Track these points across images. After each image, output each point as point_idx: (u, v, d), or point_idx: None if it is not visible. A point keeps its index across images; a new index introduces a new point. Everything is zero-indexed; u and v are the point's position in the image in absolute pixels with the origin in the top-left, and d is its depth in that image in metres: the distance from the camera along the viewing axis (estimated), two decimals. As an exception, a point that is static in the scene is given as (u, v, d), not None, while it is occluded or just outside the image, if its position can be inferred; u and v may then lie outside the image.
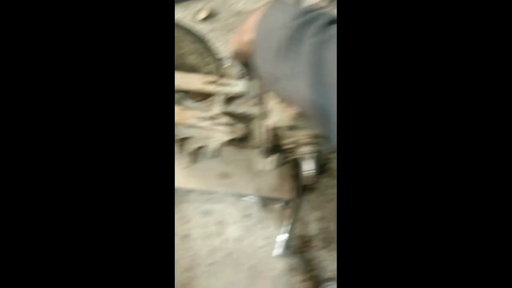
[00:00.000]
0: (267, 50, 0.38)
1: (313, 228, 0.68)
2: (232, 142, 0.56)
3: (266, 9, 0.41)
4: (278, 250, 0.62)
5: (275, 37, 0.36)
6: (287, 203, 0.67)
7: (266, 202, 0.67)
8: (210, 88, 0.57)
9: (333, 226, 0.68)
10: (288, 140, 0.52)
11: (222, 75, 0.61)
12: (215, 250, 0.62)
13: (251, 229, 0.65)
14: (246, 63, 0.50)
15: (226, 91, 0.57)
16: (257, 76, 0.46)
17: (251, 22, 0.43)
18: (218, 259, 0.61)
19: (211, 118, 0.55)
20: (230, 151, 0.63)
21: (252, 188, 0.64)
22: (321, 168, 0.56)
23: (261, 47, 0.40)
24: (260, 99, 0.56)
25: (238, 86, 0.57)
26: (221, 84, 0.57)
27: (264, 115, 0.54)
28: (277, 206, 0.68)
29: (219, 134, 0.55)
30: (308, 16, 0.36)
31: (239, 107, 0.57)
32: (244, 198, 0.66)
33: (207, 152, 0.61)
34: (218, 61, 0.66)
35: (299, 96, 0.35)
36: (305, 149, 0.50)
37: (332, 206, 0.71)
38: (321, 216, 0.70)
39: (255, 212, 0.67)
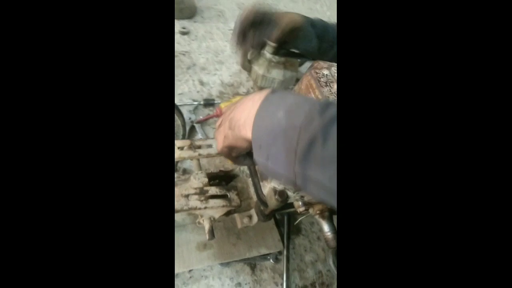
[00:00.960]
0: (275, 153, 0.29)
1: (310, 273, 0.62)
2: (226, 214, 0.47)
3: (264, 103, 0.32)
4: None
5: (283, 138, 0.28)
6: (276, 257, 0.61)
7: (256, 263, 0.60)
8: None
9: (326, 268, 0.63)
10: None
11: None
12: None
13: (246, 299, 0.56)
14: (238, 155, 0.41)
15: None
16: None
17: (246, 116, 0.33)
18: None
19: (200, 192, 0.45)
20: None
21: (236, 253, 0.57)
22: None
23: (265, 147, 0.30)
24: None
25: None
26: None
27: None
28: (268, 262, 0.61)
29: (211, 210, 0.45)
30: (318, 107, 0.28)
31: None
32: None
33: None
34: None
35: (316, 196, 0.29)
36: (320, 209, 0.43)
37: (322, 244, 0.67)
38: (316, 258, 0.65)
39: (245, 278, 0.58)
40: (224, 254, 0.56)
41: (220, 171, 0.50)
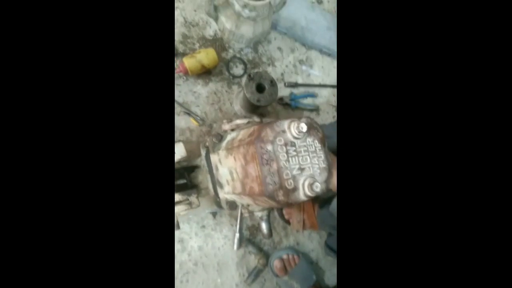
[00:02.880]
0: None
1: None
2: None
3: None
4: (235, 244, 0.79)
5: None
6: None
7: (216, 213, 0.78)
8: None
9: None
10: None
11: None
12: (184, 262, 0.76)
13: (209, 235, 0.78)
14: None
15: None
16: None
17: None
18: (189, 268, 0.76)
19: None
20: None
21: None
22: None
23: None
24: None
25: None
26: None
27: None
28: (226, 210, 0.79)
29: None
30: None
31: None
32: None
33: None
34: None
35: None
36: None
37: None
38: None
39: (208, 222, 0.78)
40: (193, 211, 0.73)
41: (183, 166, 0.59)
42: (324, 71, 0.95)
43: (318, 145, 0.43)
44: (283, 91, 0.89)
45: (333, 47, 0.93)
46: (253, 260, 0.81)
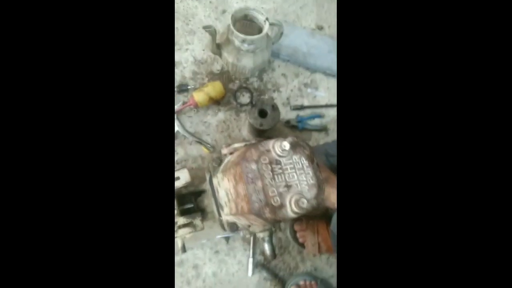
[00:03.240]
0: None
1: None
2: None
3: None
4: (249, 270, 0.78)
5: None
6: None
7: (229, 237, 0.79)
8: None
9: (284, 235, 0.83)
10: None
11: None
12: (199, 289, 0.76)
13: (222, 261, 0.79)
14: None
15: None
16: None
17: None
18: (204, 295, 0.76)
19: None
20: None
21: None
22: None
23: None
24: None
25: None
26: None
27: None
28: (240, 236, 0.80)
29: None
30: None
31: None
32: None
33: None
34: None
35: None
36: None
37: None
38: (276, 229, 0.84)
39: (221, 247, 0.79)
40: (203, 235, 0.75)
41: (190, 191, 0.62)
42: (330, 92, 0.97)
43: (305, 162, 0.44)
44: (290, 115, 0.92)
45: (336, 67, 0.95)
46: (269, 286, 0.79)
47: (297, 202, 0.40)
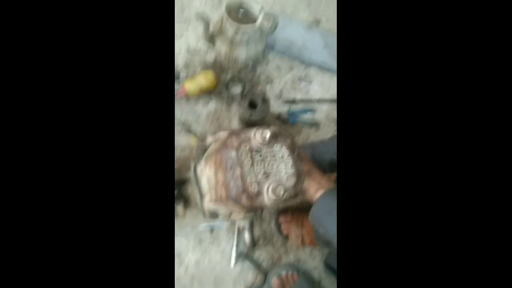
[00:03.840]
0: None
1: (256, 232, 0.83)
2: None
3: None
4: (232, 260, 0.78)
5: None
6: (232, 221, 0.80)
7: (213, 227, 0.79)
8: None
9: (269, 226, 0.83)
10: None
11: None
12: (181, 277, 0.77)
13: (206, 250, 0.79)
14: None
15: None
16: None
17: None
18: (186, 284, 0.77)
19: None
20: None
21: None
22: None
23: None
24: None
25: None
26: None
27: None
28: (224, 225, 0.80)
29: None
30: None
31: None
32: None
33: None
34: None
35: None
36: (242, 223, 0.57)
37: (267, 212, 0.85)
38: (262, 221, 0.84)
39: (206, 236, 0.80)
40: (187, 223, 0.75)
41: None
42: (323, 86, 0.96)
43: (286, 151, 0.44)
44: (282, 108, 0.92)
45: (331, 62, 0.95)
46: (251, 276, 0.79)
47: (274, 190, 0.40)
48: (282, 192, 0.39)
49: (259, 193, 0.40)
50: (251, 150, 0.41)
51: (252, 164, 0.41)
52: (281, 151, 0.43)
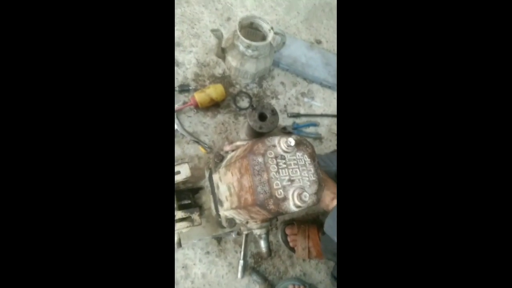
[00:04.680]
0: None
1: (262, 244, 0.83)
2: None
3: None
4: (239, 272, 0.77)
5: None
6: (238, 232, 0.80)
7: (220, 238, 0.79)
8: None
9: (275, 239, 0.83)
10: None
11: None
12: (188, 290, 0.75)
13: (213, 262, 0.78)
14: None
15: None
16: None
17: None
18: (192, 296, 0.75)
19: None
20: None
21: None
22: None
23: None
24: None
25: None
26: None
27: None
28: (231, 237, 0.80)
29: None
30: None
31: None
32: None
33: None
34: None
35: None
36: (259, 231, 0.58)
37: (274, 222, 0.85)
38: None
39: (213, 248, 0.79)
40: (196, 234, 0.74)
41: (188, 187, 0.62)
42: (325, 102, 1.01)
43: (307, 159, 0.46)
44: (286, 121, 0.95)
45: (332, 79, 1.00)
46: (258, 290, 0.78)
47: (299, 196, 0.41)
48: (307, 198, 0.41)
49: (285, 198, 0.41)
50: (276, 157, 0.43)
51: (278, 170, 0.42)
52: (303, 159, 0.45)
